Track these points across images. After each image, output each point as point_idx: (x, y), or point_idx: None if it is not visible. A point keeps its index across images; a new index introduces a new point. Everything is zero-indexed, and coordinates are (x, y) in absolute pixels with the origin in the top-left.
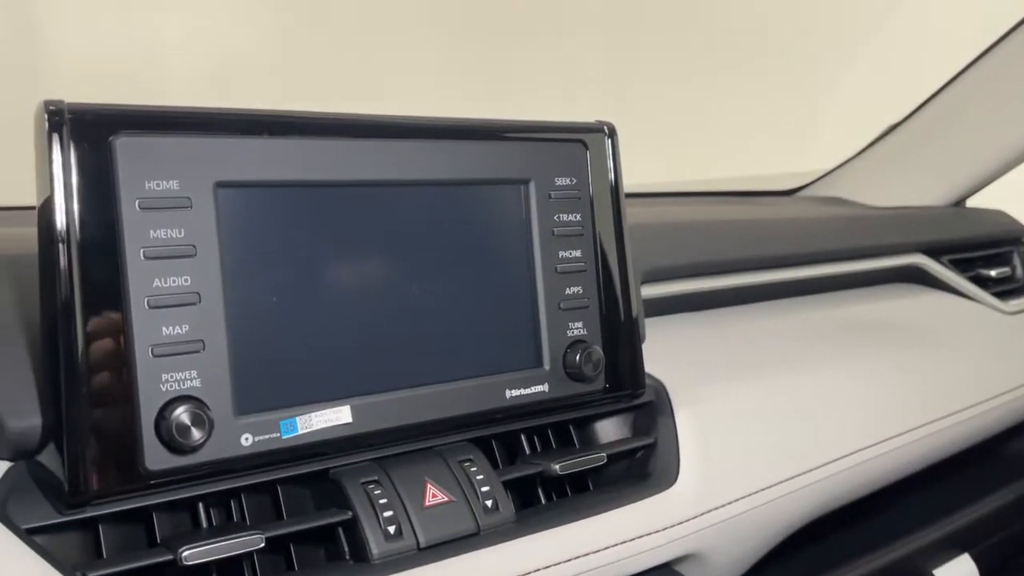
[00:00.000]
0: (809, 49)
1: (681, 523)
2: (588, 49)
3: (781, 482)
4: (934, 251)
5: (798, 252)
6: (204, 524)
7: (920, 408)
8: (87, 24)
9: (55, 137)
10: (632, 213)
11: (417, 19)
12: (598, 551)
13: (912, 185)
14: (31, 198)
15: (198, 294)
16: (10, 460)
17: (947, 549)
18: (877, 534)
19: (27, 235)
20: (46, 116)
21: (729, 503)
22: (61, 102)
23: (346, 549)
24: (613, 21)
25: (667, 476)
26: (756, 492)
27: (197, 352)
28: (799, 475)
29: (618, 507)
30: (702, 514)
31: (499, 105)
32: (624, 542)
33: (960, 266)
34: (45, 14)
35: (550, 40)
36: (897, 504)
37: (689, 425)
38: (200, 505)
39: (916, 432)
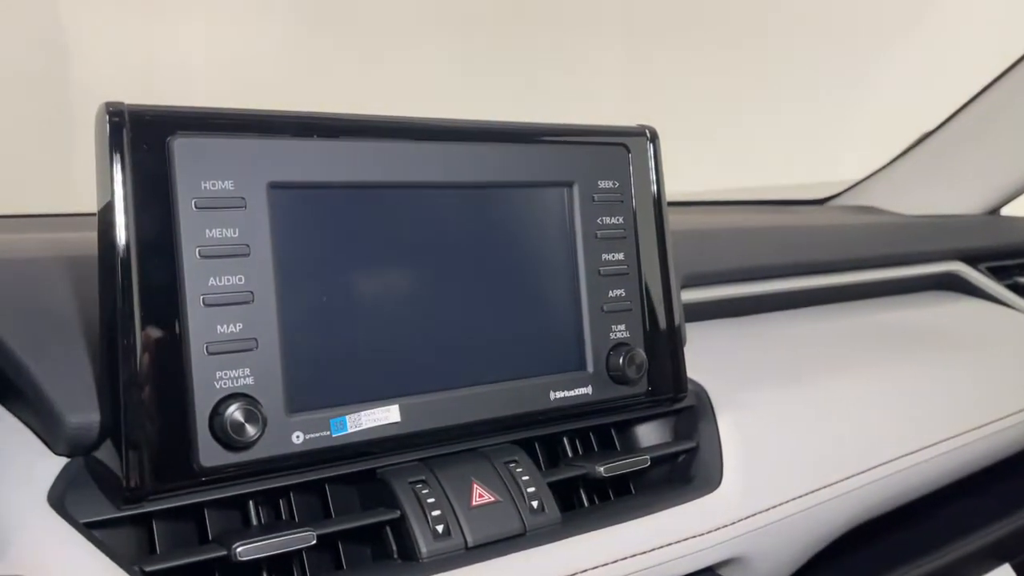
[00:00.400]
0: (839, 54)
1: (725, 526)
2: (610, 51)
3: (824, 487)
4: (971, 259)
5: (836, 258)
6: (254, 522)
7: (961, 416)
8: (111, 31)
9: (116, 138)
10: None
11: (436, 28)
12: (643, 553)
13: (945, 193)
14: (65, 195)
15: (251, 293)
16: (67, 456)
17: (987, 559)
18: (917, 543)
19: (87, 239)
20: (107, 117)
21: (773, 507)
22: (121, 104)
23: (394, 548)
24: (635, 22)
25: (710, 480)
26: (799, 497)
27: (250, 350)
28: (841, 480)
29: (662, 510)
30: (746, 518)
31: (519, 112)
32: (669, 544)
33: (997, 274)
34: (70, 23)
35: (572, 44)
36: (937, 513)
37: (732, 429)
38: (251, 503)
39: (957, 440)
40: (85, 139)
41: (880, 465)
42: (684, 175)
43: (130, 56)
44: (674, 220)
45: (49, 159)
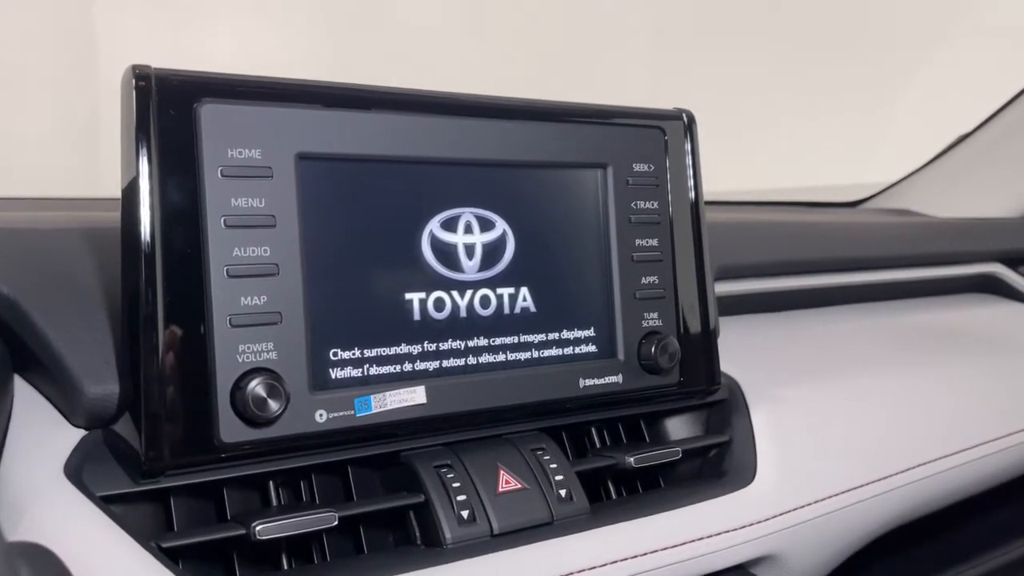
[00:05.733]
0: (874, 56)
1: (758, 523)
2: (636, 45)
3: (860, 486)
4: (1011, 261)
5: (872, 256)
6: (274, 501)
7: (999, 420)
8: (141, 38)
9: (142, 102)
10: None
11: (463, 42)
12: (674, 547)
13: (981, 197)
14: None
15: (277, 265)
16: (85, 428)
17: None
18: (955, 549)
19: (110, 216)
20: (134, 81)
21: (808, 505)
22: (148, 67)
23: (417, 533)
24: (663, 21)
25: (743, 475)
26: (835, 495)
27: (274, 324)
28: (877, 481)
29: (693, 503)
30: (780, 514)
31: None
32: (700, 539)
33: None
34: (102, 28)
35: (598, 43)
36: (977, 519)
37: (766, 424)
38: (271, 483)
39: (996, 443)
40: (111, 134)
41: (916, 467)
42: (712, 176)
43: (157, 57)
44: (706, 214)
45: (76, 153)
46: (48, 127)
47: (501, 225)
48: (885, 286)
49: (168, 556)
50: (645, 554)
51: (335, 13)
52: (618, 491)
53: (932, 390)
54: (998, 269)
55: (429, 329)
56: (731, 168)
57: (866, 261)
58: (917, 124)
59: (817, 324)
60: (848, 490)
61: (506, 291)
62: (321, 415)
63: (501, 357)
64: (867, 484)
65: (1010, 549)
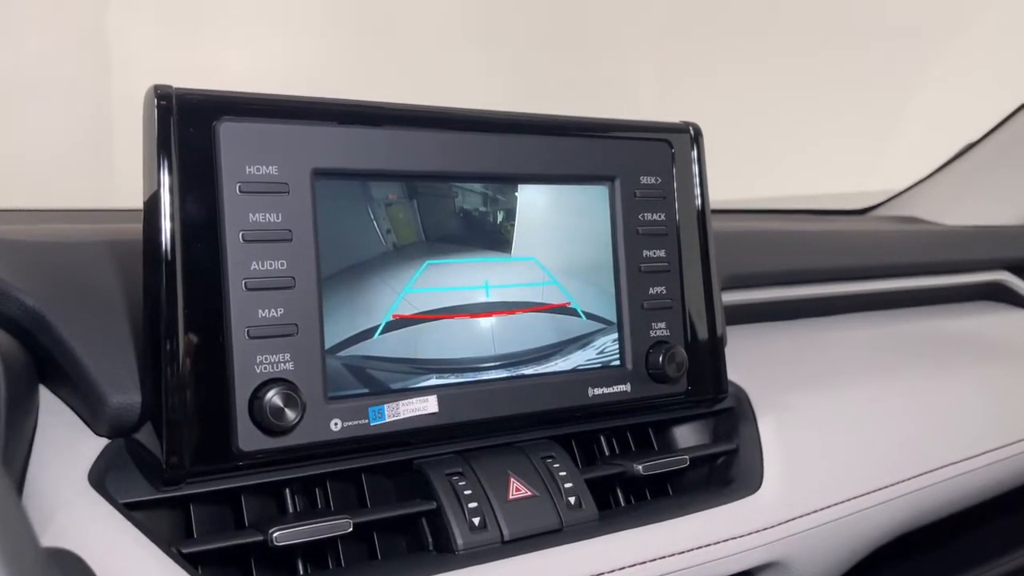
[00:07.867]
0: (882, 61)
1: (765, 529)
2: (644, 53)
3: (867, 493)
4: (1018, 269)
5: (880, 264)
6: (291, 508)
7: (1009, 427)
8: (156, 53)
9: (163, 120)
10: None
11: (470, 47)
12: (681, 553)
13: (989, 205)
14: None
15: (293, 278)
16: (108, 437)
17: None
18: (963, 556)
19: (131, 229)
20: (155, 100)
21: (814, 511)
22: (169, 87)
23: (429, 540)
24: (670, 25)
25: (750, 482)
26: (842, 502)
27: (291, 336)
28: (885, 487)
29: (701, 511)
30: (787, 521)
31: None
32: (707, 545)
33: None
34: (118, 43)
35: (605, 46)
36: (984, 526)
37: (773, 432)
38: (287, 490)
39: (1004, 451)
40: (126, 144)
41: (923, 474)
42: (718, 184)
43: (173, 69)
44: (714, 223)
45: (92, 162)
46: (64, 136)
47: (511, 236)
48: (892, 294)
49: (188, 561)
50: (653, 560)
51: (345, 26)
52: (627, 498)
53: (939, 398)
54: (1005, 277)
55: (441, 339)
56: (739, 176)
57: (873, 269)
58: (925, 132)
59: (824, 332)
60: (854, 497)
61: (516, 300)
62: (336, 424)
63: (511, 367)
64: (873, 491)
65: (1018, 556)
